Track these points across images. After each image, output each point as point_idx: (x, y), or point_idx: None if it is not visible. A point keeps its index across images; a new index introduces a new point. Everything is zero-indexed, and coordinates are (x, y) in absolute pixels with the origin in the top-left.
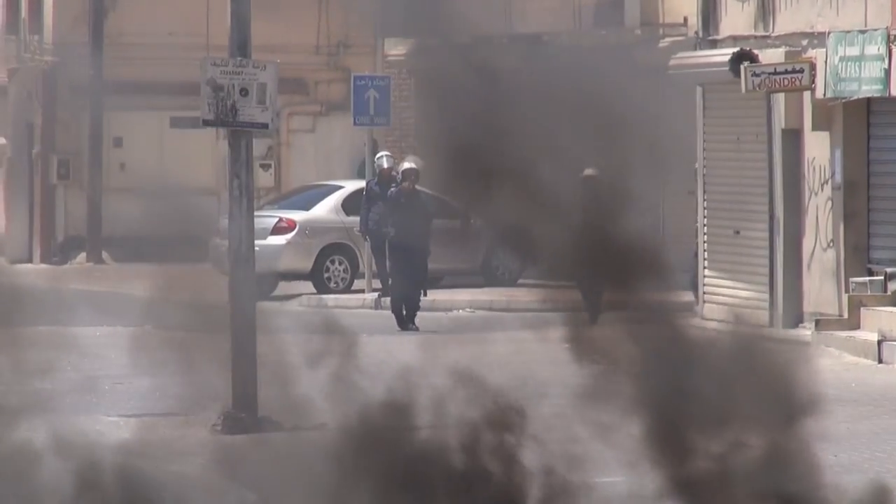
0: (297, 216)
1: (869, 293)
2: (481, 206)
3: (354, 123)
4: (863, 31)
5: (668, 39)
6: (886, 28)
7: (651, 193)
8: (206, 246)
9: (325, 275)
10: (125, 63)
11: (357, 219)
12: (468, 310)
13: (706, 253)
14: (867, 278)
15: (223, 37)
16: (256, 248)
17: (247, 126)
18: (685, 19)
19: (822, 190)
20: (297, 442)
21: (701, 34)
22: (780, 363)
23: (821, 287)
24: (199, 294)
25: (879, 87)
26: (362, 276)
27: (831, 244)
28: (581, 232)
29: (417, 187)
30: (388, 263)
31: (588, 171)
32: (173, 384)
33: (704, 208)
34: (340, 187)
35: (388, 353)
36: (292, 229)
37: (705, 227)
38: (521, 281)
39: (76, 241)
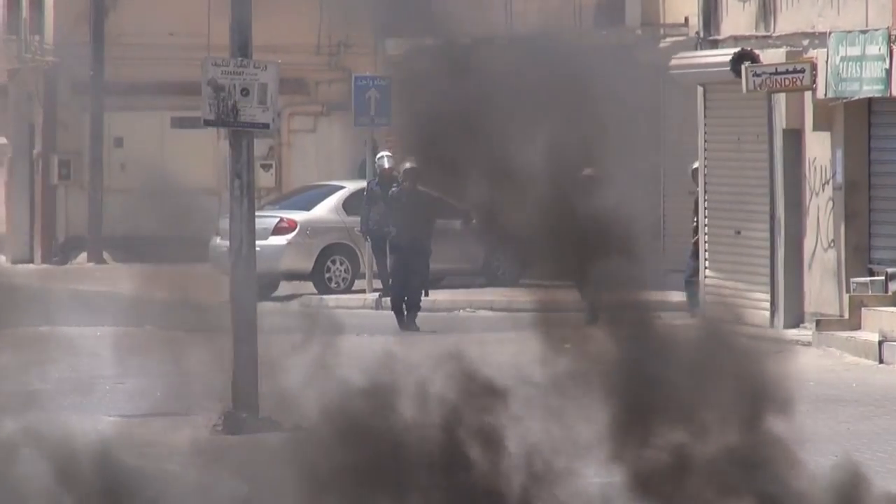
0: (298, 216)
1: (870, 293)
2: (456, 192)
3: (355, 124)
4: (864, 31)
5: (669, 39)
6: (887, 28)
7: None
8: (206, 246)
9: (326, 275)
10: (126, 63)
11: (358, 219)
12: (469, 310)
13: (707, 253)
14: (868, 278)
15: (224, 37)
16: (257, 249)
17: (248, 126)
18: (686, 19)
19: (823, 190)
20: (291, 441)
21: (702, 34)
22: (752, 357)
23: (821, 287)
24: (199, 294)
25: (880, 87)
26: (363, 276)
27: (832, 244)
28: (550, 212)
29: (418, 187)
30: (388, 263)
31: (588, 171)
32: (174, 384)
33: (706, 208)
34: (341, 187)
35: (389, 352)
36: (293, 229)
37: (706, 227)
38: (522, 281)
39: (77, 242)
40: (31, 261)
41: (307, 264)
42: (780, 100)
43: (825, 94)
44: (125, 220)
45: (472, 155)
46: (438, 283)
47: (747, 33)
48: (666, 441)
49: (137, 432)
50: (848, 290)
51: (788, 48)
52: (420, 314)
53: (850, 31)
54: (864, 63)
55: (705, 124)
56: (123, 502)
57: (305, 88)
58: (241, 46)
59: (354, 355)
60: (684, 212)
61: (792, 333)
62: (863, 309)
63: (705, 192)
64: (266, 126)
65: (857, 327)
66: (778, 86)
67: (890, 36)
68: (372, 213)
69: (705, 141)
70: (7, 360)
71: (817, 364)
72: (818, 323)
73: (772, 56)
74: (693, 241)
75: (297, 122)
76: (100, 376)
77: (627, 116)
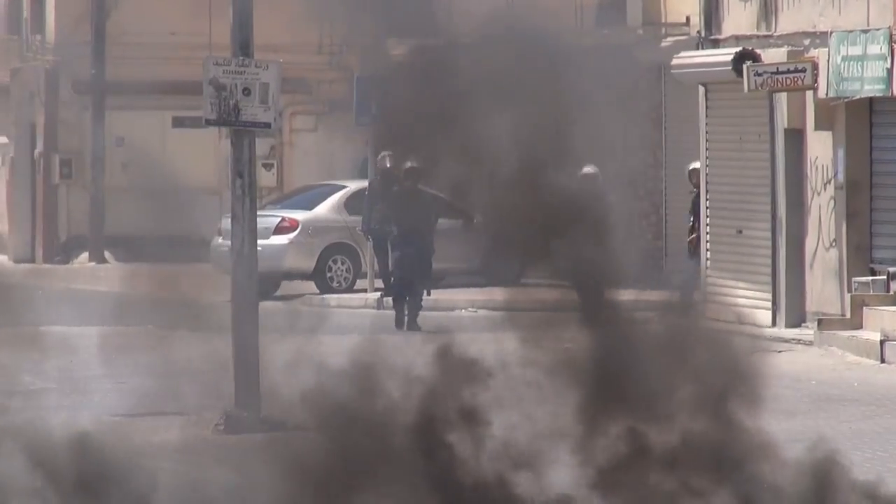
0: (300, 216)
1: (871, 293)
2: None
3: (357, 123)
4: (865, 31)
5: (670, 39)
6: (889, 28)
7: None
8: (207, 245)
9: (328, 274)
10: (127, 62)
11: (360, 218)
12: (470, 309)
13: (709, 252)
14: (870, 278)
15: (225, 36)
16: (259, 248)
17: (249, 125)
18: (687, 19)
19: (825, 189)
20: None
21: (703, 34)
22: (723, 352)
23: (823, 287)
24: (200, 294)
25: (882, 86)
26: (365, 275)
27: (834, 244)
28: (516, 187)
29: (419, 186)
30: (390, 263)
31: (587, 170)
32: (175, 384)
33: (707, 208)
34: (343, 187)
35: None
36: (295, 229)
37: (708, 227)
38: (523, 281)
39: (78, 241)
40: (32, 260)
41: (309, 264)
42: (782, 99)
43: (826, 94)
44: (127, 219)
45: (445, 140)
46: (440, 282)
47: (748, 33)
48: (630, 432)
49: (138, 432)
50: (849, 290)
51: (790, 48)
52: (421, 314)
53: (851, 31)
54: (865, 62)
55: (706, 124)
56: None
57: (307, 88)
58: (243, 46)
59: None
60: (685, 212)
61: (793, 333)
62: (864, 308)
63: (707, 191)
64: (268, 125)
65: (859, 327)
66: (779, 85)
67: (891, 35)
68: (373, 213)
69: (707, 140)
70: (6, 359)
71: (819, 363)
72: (820, 322)
73: (773, 55)
74: (688, 240)
75: (299, 121)
76: (100, 376)
77: (604, 105)
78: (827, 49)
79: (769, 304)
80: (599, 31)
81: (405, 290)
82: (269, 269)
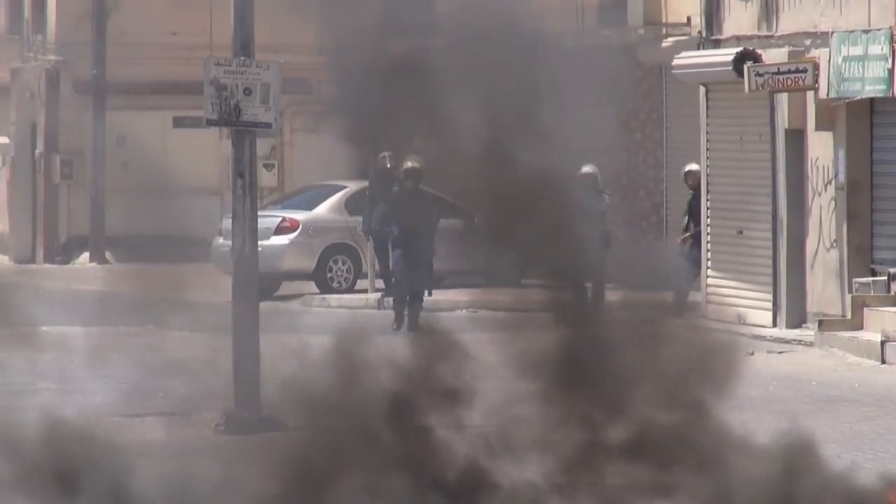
0: (301, 216)
1: (872, 293)
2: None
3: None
4: (866, 31)
5: (671, 39)
6: (890, 28)
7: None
8: (208, 246)
9: (329, 275)
10: (128, 62)
11: (360, 218)
12: (470, 310)
13: (709, 253)
14: (870, 279)
15: (226, 36)
16: (259, 248)
17: (250, 126)
18: (688, 19)
19: (826, 190)
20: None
21: (704, 34)
22: (695, 348)
23: (824, 287)
24: (201, 294)
25: (883, 87)
26: (365, 276)
27: (834, 244)
28: (482, 161)
29: (420, 186)
30: (391, 263)
31: (586, 169)
32: (176, 384)
33: (708, 208)
34: (343, 187)
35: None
36: (295, 229)
37: (709, 227)
38: (524, 281)
39: (79, 241)
40: (33, 261)
41: (309, 264)
42: (783, 100)
43: (827, 94)
44: (128, 219)
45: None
46: (441, 282)
47: (749, 33)
48: (589, 424)
49: (138, 432)
50: (850, 291)
51: (791, 48)
52: (421, 314)
53: (852, 31)
54: (866, 63)
55: (707, 124)
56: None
57: (308, 88)
58: (244, 46)
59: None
60: (682, 213)
61: (794, 334)
62: (865, 309)
63: (707, 192)
64: (268, 125)
65: (860, 328)
66: (780, 86)
67: (892, 36)
68: (374, 213)
69: (707, 141)
70: (5, 359)
71: (819, 364)
72: (820, 323)
73: (774, 56)
74: (681, 238)
75: (300, 121)
76: (100, 376)
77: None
78: (828, 49)
79: (770, 305)
80: (600, 31)
81: (405, 290)
82: (270, 269)
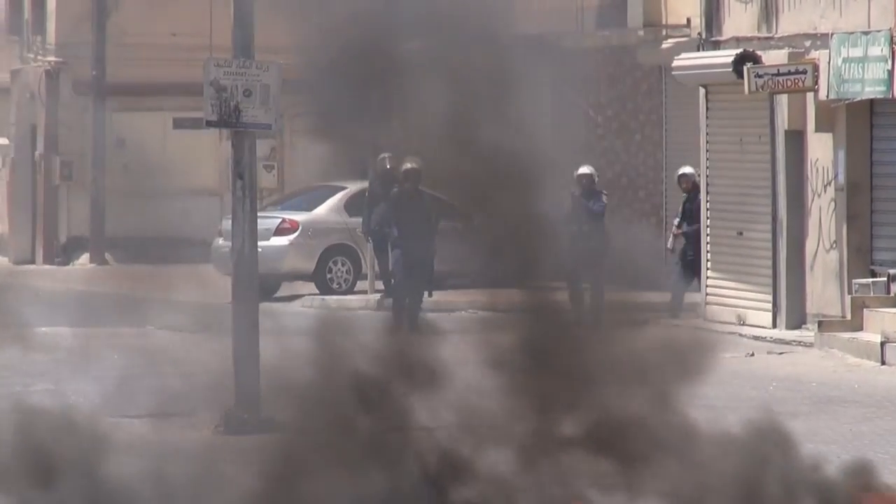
0: (300, 217)
1: (872, 294)
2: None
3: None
4: (866, 33)
5: (671, 41)
6: (890, 29)
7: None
8: (208, 247)
9: (328, 276)
10: (128, 64)
11: (360, 220)
12: (470, 311)
13: (709, 254)
14: (870, 280)
15: (226, 37)
16: (259, 249)
17: (250, 127)
18: (688, 20)
19: (826, 191)
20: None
21: (704, 35)
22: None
23: (824, 288)
24: (201, 295)
25: (883, 88)
26: (365, 277)
27: (834, 245)
28: (447, 140)
29: (419, 188)
30: (390, 264)
31: (583, 170)
32: (177, 385)
33: (708, 209)
34: (343, 188)
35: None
36: (295, 230)
37: (708, 229)
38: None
39: (79, 242)
40: (32, 262)
41: (309, 265)
42: (783, 101)
43: (827, 96)
44: (128, 221)
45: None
46: (442, 283)
47: (749, 34)
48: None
49: (139, 432)
50: (850, 292)
51: (790, 49)
52: (422, 315)
53: (852, 33)
54: (866, 64)
55: (707, 125)
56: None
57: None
58: (244, 47)
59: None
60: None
61: (794, 335)
62: (865, 310)
63: (707, 193)
64: (268, 127)
65: (859, 329)
66: (780, 87)
67: (892, 37)
68: (373, 214)
69: (707, 142)
70: (5, 359)
71: (819, 365)
72: (820, 324)
73: (774, 57)
74: (673, 234)
75: (299, 122)
76: (102, 376)
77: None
78: (828, 51)
79: (770, 306)
80: (600, 32)
81: (405, 291)
82: (270, 270)
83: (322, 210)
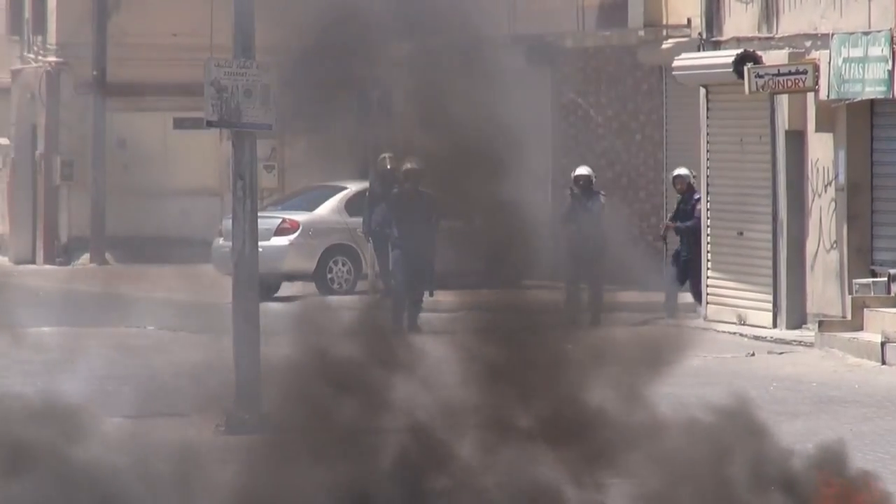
0: (301, 217)
1: (872, 294)
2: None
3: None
4: (866, 33)
5: (671, 41)
6: (890, 30)
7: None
8: (208, 247)
9: (329, 276)
10: (129, 64)
11: (360, 220)
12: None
13: (709, 254)
14: (870, 280)
15: (226, 37)
16: (260, 249)
17: (250, 127)
18: (689, 21)
19: (826, 191)
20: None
21: (704, 35)
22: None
23: (824, 288)
24: (202, 295)
25: (883, 88)
26: (366, 277)
27: (835, 245)
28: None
29: (420, 188)
30: (390, 264)
31: (580, 171)
32: (177, 385)
33: (708, 209)
34: (343, 188)
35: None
36: (295, 230)
37: (709, 229)
38: (525, 282)
39: (80, 242)
40: (33, 262)
41: (309, 265)
42: (783, 101)
43: (828, 96)
44: (128, 220)
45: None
46: (443, 283)
47: (750, 35)
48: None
49: (139, 433)
50: (850, 292)
51: (791, 49)
52: (422, 315)
53: (852, 33)
54: (866, 64)
55: (707, 125)
56: None
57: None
58: (244, 47)
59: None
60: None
61: (794, 335)
62: (865, 310)
63: (708, 193)
64: (269, 127)
65: (860, 329)
66: (780, 87)
67: (893, 37)
68: (374, 214)
69: (708, 142)
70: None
71: (820, 365)
72: (820, 324)
73: (774, 57)
74: (664, 226)
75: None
76: (103, 376)
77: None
78: (828, 51)
79: (770, 306)
80: (601, 32)
81: (405, 291)
82: (270, 270)
83: (322, 210)
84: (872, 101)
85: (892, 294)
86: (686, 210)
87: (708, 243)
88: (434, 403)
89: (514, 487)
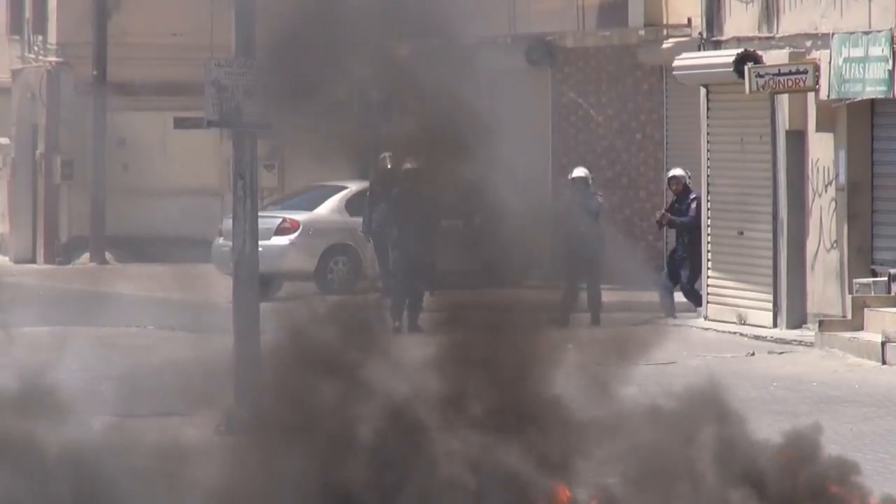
0: (301, 217)
1: (872, 294)
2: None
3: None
4: (867, 33)
5: (671, 40)
6: (890, 29)
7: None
8: (208, 246)
9: (329, 276)
10: (129, 63)
11: (361, 219)
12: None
13: (710, 253)
14: (871, 279)
15: (226, 37)
16: (260, 249)
17: (250, 127)
18: (689, 20)
19: (826, 191)
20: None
21: (705, 35)
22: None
23: (824, 288)
24: (202, 294)
25: (883, 88)
26: (366, 277)
27: (835, 245)
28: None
29: (420, 188)
30: (391, 264)
31: (577, 173)
32: (177, 385)
33: (708, 209)
34: (344, 188)
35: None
36: (296, 230)
37: (709, 228)
38: (525, 282)
39: (80, 242)
40: (33, 261)
41: (310, 265)
42: (783, 101)
43: (828, 96)
44: (128, 220)
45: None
46: (444, 283)
47: (750, 34)
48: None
49: (139, 433)
50: (851, 291)
51: (791, 49)
52: (422, 315)
53: (853, 33)
54: (867, 64)
55: (708, 125)
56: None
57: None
58: (245, 47)
59: None
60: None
61: (794, 334)
62: (865, 310)
63: (708, 192)
64: (269, 127)
65: (860, 328)
66: (781, 87)
67: (893, 37)
68: (374, 214)
69: (708, 142)
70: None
71: (820, 365)
72: (821, 324)
73: (775, 57)
74: (657, 218)
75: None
76: (102, 376)
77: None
78: (828, 51)
79: (770, 306)
80: (601, 32)
81: (405, 291)
82: (270, 269)
83: (323, 210)
84: (873, 101)
85: (893, 294)
86: (681, 210)
87: (708, 243)
88: (412, 396)
89: (489, 479)
